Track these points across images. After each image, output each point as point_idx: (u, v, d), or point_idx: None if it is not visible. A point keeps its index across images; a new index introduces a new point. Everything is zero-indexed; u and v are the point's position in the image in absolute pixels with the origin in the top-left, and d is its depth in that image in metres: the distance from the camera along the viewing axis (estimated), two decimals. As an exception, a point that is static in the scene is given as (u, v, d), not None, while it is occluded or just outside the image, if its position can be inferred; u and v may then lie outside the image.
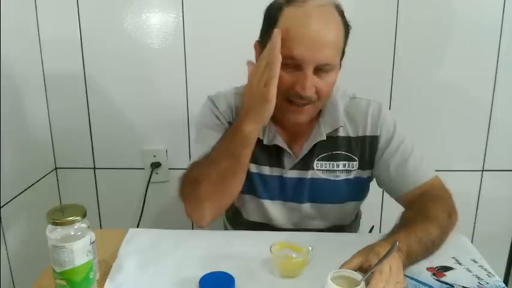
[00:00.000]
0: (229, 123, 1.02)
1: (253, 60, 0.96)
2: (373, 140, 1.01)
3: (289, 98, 0.90)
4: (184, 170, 0.99)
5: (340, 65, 0.93)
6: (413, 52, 1.46)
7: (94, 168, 1.58)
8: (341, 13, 0.90)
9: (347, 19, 0.91)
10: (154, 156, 1.56)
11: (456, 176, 1.56)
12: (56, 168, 1.58)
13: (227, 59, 1.43)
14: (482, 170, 1.58)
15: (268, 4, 0.93)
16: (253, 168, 1.02)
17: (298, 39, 0.85)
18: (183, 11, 1.42)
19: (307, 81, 0.86)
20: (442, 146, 1.53)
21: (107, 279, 0.80)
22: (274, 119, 0.93)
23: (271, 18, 0.89)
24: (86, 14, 1.43)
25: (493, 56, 1.47)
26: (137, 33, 1.44)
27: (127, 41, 1.45)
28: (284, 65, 0.86)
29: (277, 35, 0.83)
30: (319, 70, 0.88)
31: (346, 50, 0.94)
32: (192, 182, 0.94)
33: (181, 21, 1.43)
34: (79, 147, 1.55)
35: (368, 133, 1.01)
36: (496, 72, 1.48)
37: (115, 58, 1.47)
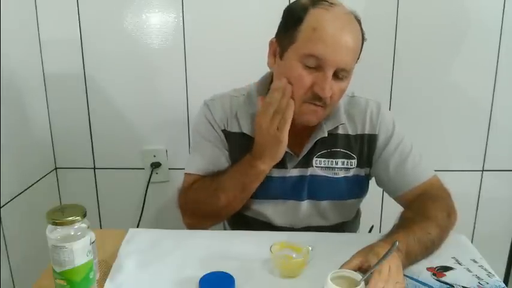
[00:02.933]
0: (223, 130, 1.04)
1: (265, 57, 0.97)
2: (372, 138, 1.01)
3: (306, 99, 0.90)
4: (183, 183, 1.05)
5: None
6: (413, 52, 1.46)
7: (94, 168, 1.58)
8: (359, 23, 0.91)
9: (363, 31, 0.92)
10: (154, 156, 1.56)
11: (456, 176, 1.56)
12: (56, 168, 1.58)
13: (227, 59, 1.44)
14: (482, 170, 1.58)
15: (289, 4, 0.94)
16: None
17: (325, 39, 0.85)
18: (183, 11, 1.42)
19: (327, 82, 0.87)
20: (442, 146, 1.53)
21: (107, 279, 0.80)
22: None
23: (294, 18, 0.89)
24: (86, 14, 1.42)
25: (493, 56, 1.46)
26: (137, 33, 1.44)
27: (127, 41, 1.45)
28: (305, 66, 0.88)
29: (286, 83, 0.88)
30: (335, 76, 0.88)
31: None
32: (196, 202, 1.01)
33: (181, 21, 1.43)
34: (79, 147, 1.55)
35: (367, 131, 1.01)
36: (496, 72, 1.48)
37: (115, 58, 1.47)
